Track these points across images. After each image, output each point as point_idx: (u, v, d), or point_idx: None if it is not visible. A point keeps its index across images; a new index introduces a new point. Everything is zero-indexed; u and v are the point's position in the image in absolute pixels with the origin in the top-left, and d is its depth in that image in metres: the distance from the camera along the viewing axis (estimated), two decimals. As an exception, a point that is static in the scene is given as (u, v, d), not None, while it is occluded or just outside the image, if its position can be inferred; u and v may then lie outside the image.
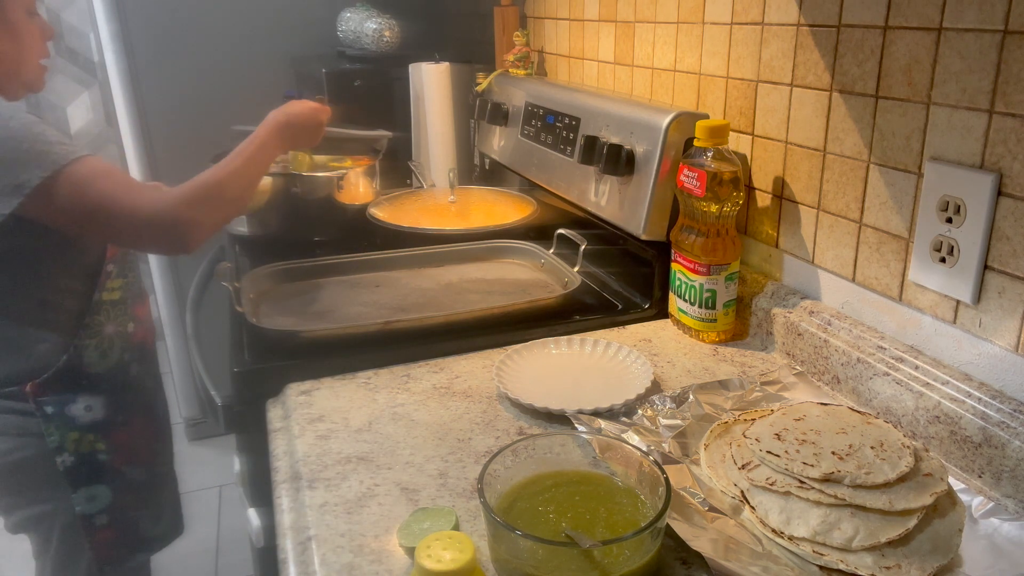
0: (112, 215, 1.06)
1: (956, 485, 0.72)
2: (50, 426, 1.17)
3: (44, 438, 1.17)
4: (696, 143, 1.03)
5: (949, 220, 0.80)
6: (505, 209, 1.59)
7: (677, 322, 1.12)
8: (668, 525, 0.65)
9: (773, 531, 0.66)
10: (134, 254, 1.30)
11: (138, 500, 1.30)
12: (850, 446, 0.69)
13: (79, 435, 1.20)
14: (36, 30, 1.17)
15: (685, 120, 1.10)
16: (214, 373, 1.14)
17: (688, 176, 1.03)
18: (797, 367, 0.98)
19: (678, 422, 0.84)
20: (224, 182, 1.14)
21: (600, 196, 1.25)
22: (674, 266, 1.10)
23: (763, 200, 1.10)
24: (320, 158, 1.65)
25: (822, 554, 0.63)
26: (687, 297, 1.08)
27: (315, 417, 0.90)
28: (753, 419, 0.79)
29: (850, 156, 0.93)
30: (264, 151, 1.22)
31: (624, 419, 0.85)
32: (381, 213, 1.55)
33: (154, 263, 2.50)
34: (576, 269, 1.24)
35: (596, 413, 0.86)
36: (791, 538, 0.65)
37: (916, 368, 0.83)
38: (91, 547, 1.25)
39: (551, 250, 1.33)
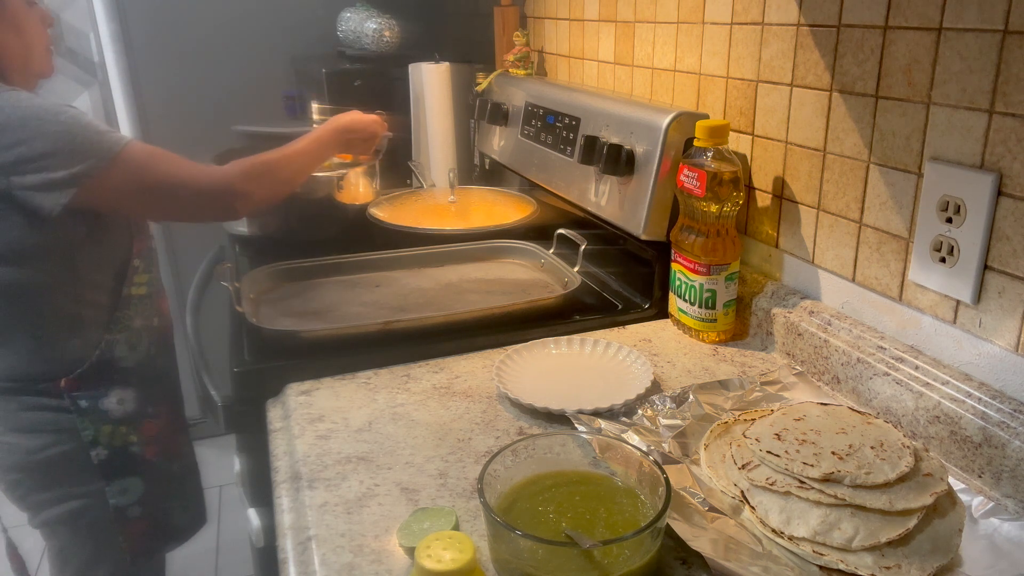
0: (173, 189, 1.15)
1: (956, 485, 0.72)
2: (84, 420, 1.19)
3: (77, 433, 1.19)
4: (696, 143, 1.03)
5: (949, 220, 0.80)
6: (505, 209, 1.59)
7: (677, 322, 1.12)
8: (668, 525, 0.65)
9: (773, 531, 0.66)
10: (156, 251, 1.32)
11: (168, 490, 1.33)
12: (850, 446, 0.69)
13: (112, 428, 1.22)
14: (36, 19, 1.19)
15: (685, 120, 1.10)
16: (214, 373, 1.14)
17: (688, 176, 1.03)
18: (797, 367, 0.98)
19: (678, 422, 0.84)
20: (279, 163, 1.25)
21: (600, 196, 1.25)
22: (674, 266, 1.10)
23: (763, 200, 1.10)
24: None
25: (822, 554, 0.63)
26: (687, 297, 1.08)
27: (315, 417, 0.90)
28: (753, 419, 0.79)
29: (850, 156, 0.93)
30: (320, 146, 1.34)
31: (624, 419, 0.85)
32: (381, 213, 1.55)
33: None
34: (576, 269, 1.24)
35: (596, 413, 0.86)
36: (791, 538, 0.65)
37: (916, 368, 0.83)
38: (124, 539, 1.27)
39: (551, 250, 1.33)
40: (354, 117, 1.41)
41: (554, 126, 1.42)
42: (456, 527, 0.70)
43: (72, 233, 1.12)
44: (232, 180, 1.18)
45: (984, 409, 0.75)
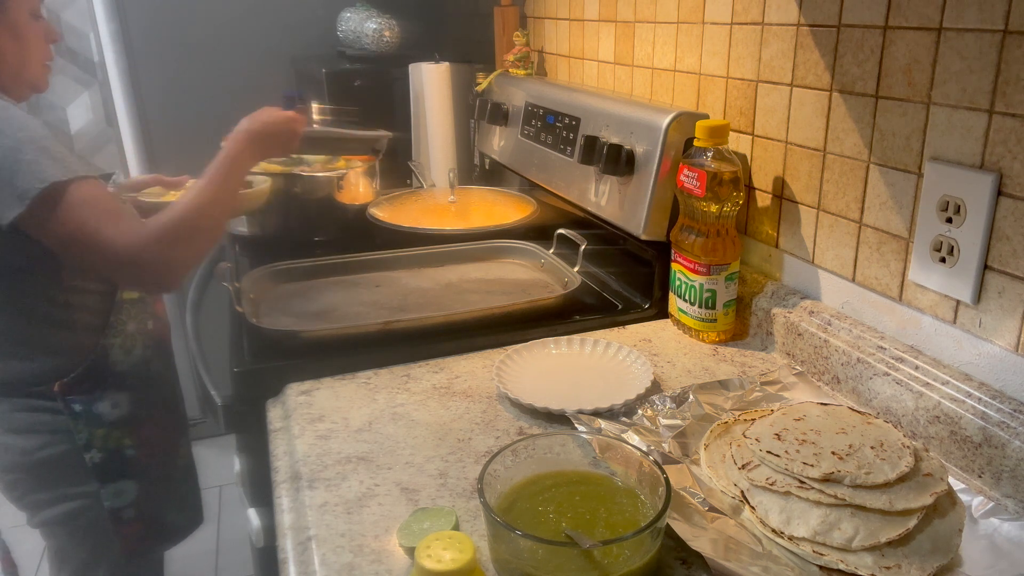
0: (87, 246, 1.02)
1: (956, 485, 0.72)
2: (78, 423, 1.19)
3: (72, 435, 1.19)
4: (696, 143, 1.03)
5: (949, 220, 0.80)
6: (505, 209, 1.59)
7: (677, 322, 1.12)
8: (668, 525, 0.65)
9: (773, 531, 0.66)
10: None
11: (163, 492, 1.33)
12: (850, 446, 0.69)
13: (106, 431, 1.22)
14: (40, 32, 1.18)
15: (685, 120, 1.10)
16: (214, 373, 1.14)
17: (688, 176, 1.03)
18: (797, 367, 0.98)
19: (678, 422, 0.84)
20: (199, 213, 1.08)
21: (600, 196, 1.25)
22: (674, 266, 1.10)
23: (763, 200, 1.10)
24: (320, 158, 1.65)
25: (822, 554, 0.63)
26: (687, 297, 1.08)
27: (315, 417, 0.90)
28: (753, 419, 0.79)
29: (850, 156, 0.93)
30: (236, 166, 1.16)
31: (624, 419, 0.85)
32: (381, 213, 1.55)
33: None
34: (576, 269, 1.24)
35: (596, 413, 0.86)
36: (791, 538, 0.65)
37: (916, 368, 0.83)
38: (119, 540, 1.26)
39: (551, 250, 1.33)
40: (265, 120, 1.21)
41: (554, 126, 1.42)
42: (456, 527, 0.70)
43: (42, 246, 1.07)
44: (153, 250, 1.03)
45: (984, 409, 0.75)
